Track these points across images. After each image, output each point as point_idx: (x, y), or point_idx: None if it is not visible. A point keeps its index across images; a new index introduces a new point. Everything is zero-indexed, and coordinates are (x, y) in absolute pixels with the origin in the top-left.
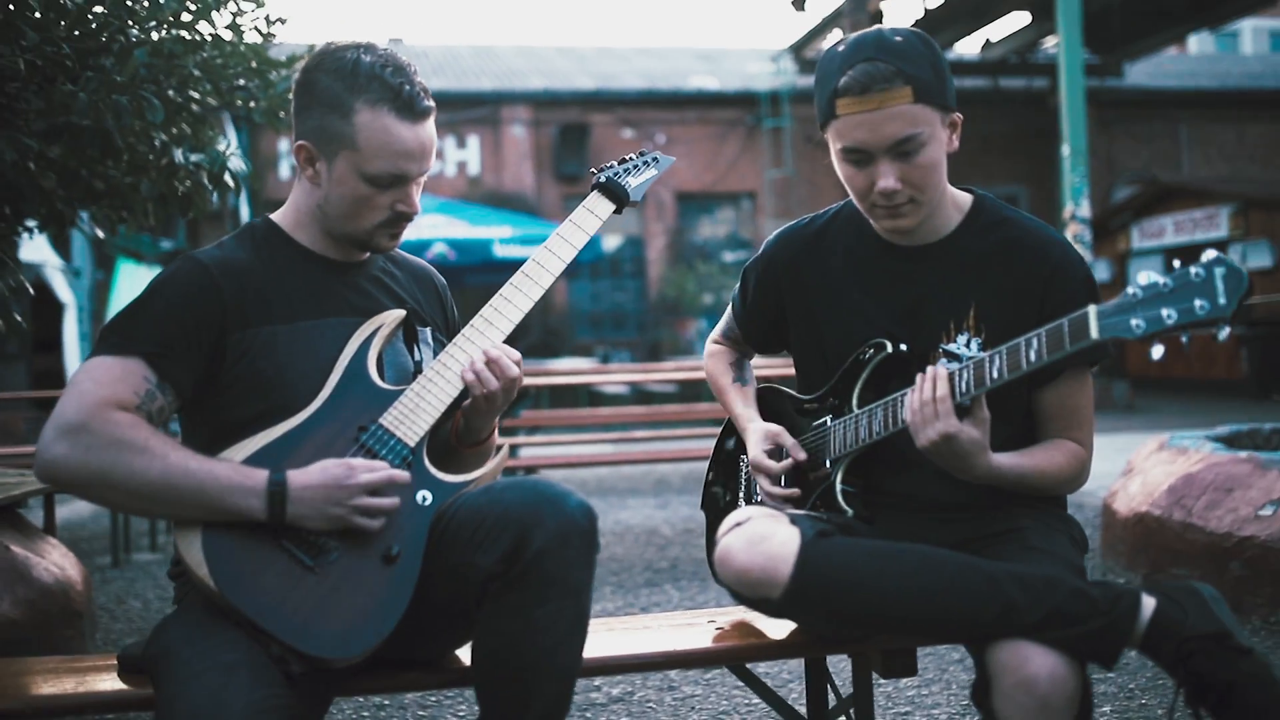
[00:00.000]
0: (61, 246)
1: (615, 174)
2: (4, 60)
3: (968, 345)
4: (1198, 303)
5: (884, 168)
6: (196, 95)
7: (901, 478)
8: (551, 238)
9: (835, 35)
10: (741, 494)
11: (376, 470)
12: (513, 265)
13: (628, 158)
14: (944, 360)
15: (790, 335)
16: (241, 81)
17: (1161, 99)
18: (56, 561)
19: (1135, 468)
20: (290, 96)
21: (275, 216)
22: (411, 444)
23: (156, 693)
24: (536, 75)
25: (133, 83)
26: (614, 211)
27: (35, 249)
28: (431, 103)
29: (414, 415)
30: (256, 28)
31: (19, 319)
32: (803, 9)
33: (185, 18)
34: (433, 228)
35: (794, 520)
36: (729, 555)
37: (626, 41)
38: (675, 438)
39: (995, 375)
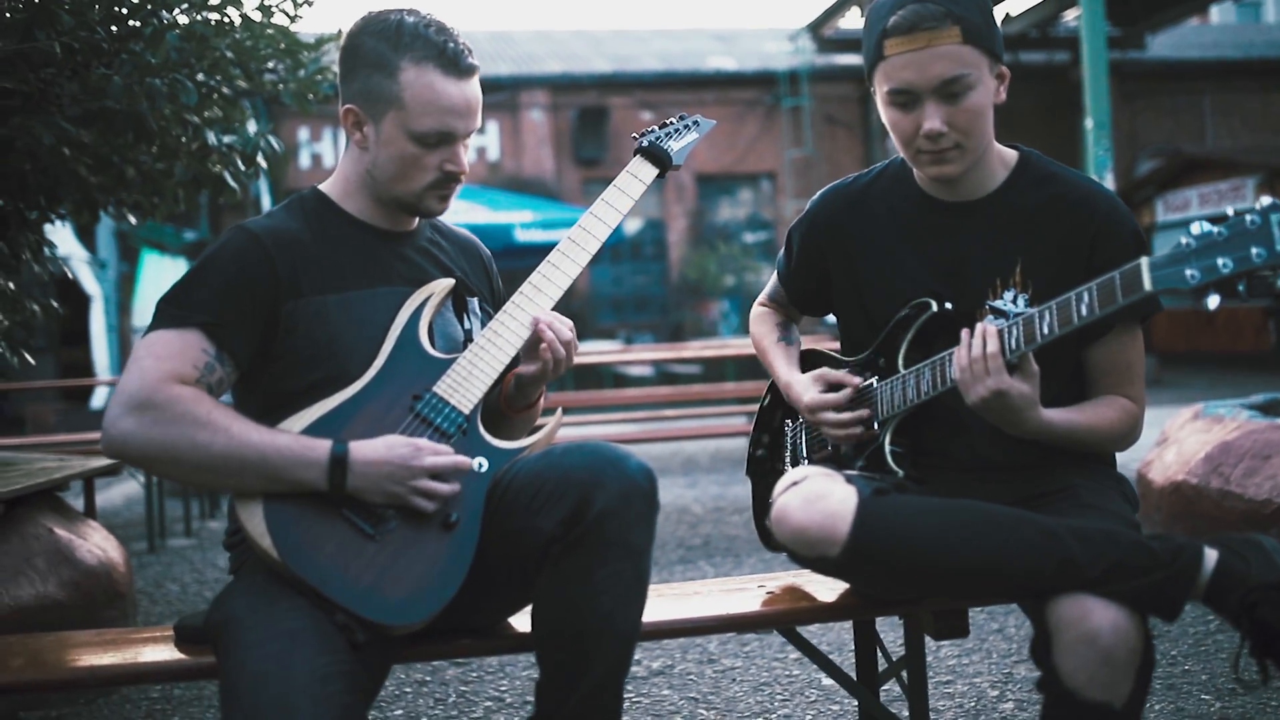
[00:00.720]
0: (87, 238)
1: (658, 138)
2: (40, 45)
3: (1014, 302)
4: (1254, 250)
5: (930, 109)
6: (227, 79)
7: (951, 438)
8: (597, 203)
9: (854, 14)
10: (788, 456)
11: (443, 455)
12: (533, 250)
13: (668, 121)
14: (990, 317)
15: (834, 295)
16: (271, 64)
17: (1184, 70)
18: (98, 544)
19: (1170, 437)
20: (319, 79)
21: (324, 187)
22: (466, 411)
23: (221, 660)
24: (554, 59)
25: (166, 66)
26: (658, 176)
27: (61, 241)
28: (476, 61)
29: (467, 383)
30: (284, 9)
31: (55, 304)
32: None
33: (215, 1)
34: (452, 213)
35: (850, 479)
36: (786, 514)
37: (644, 23)
38: (701, 416)
39: (1046, 331)
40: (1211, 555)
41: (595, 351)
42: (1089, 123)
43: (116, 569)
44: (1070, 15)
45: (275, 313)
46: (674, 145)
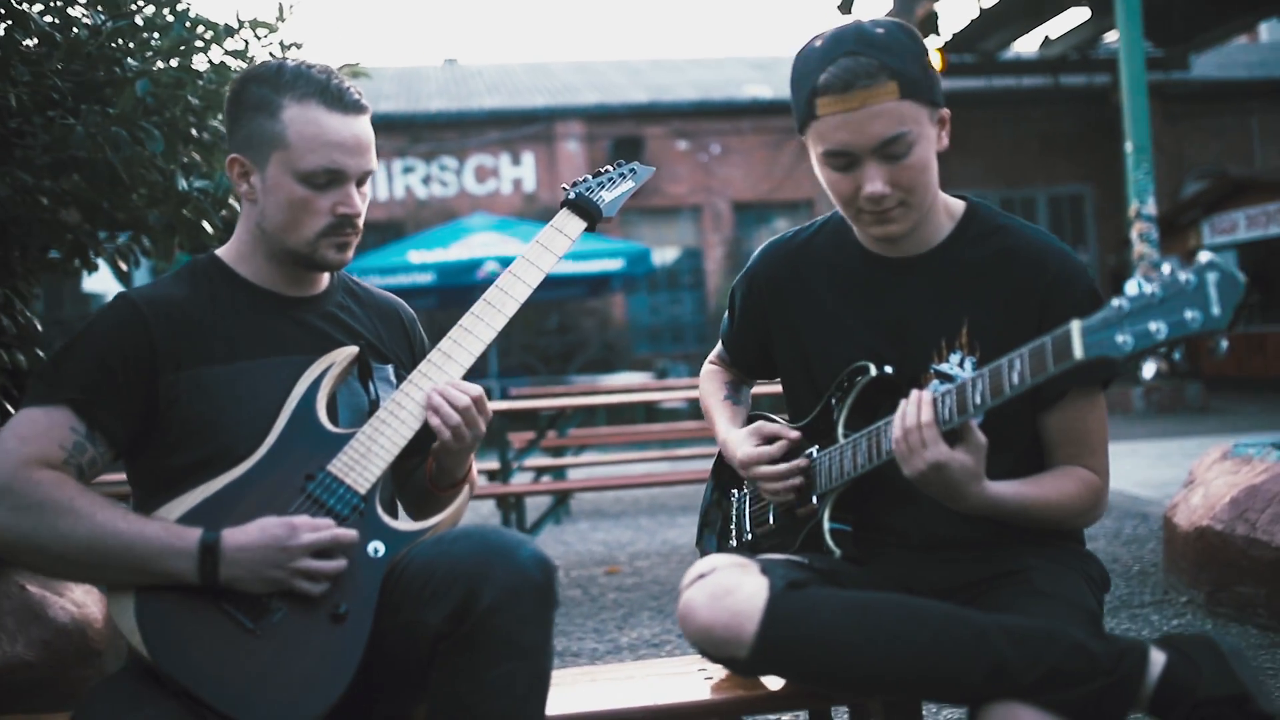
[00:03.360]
0: (126, 280)
1: (587, 188)
2: None
3: (961, 365)
4: (1189, 314)
5: (870, 171)
6: (198, 124)
7: (897, 512)
8: (517, 261)
9: None
10: (733, 529)
11: (321, 530)
12: (565, 281)
13: (603, 170)
14: (936, 382)
15: (776, 357)
16: None
17: (1231, 90)
18: (76, 599)
19: (1197, 478)
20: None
21: (220, 251)
22: (362, 491)
23: None
24: (590, 90)
25: (128, 116)
26: (585, 229)
27: (100, 280)
28: (365, 102)
29: (365, 460)
30: (271, 53)
31: (39, 354)
32: (849, 12)
33: (197, 45)
34: (484, 246)
35: (765, 569)
36: (691, 611)
37: (681, 52)
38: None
39: (978, 400)
40: (1158, 660)
41: (624, 388)
42: (1129, 146)
43: (93, 625)
44: (1110, 37)
45: (153, 386)
46: (606, 195)
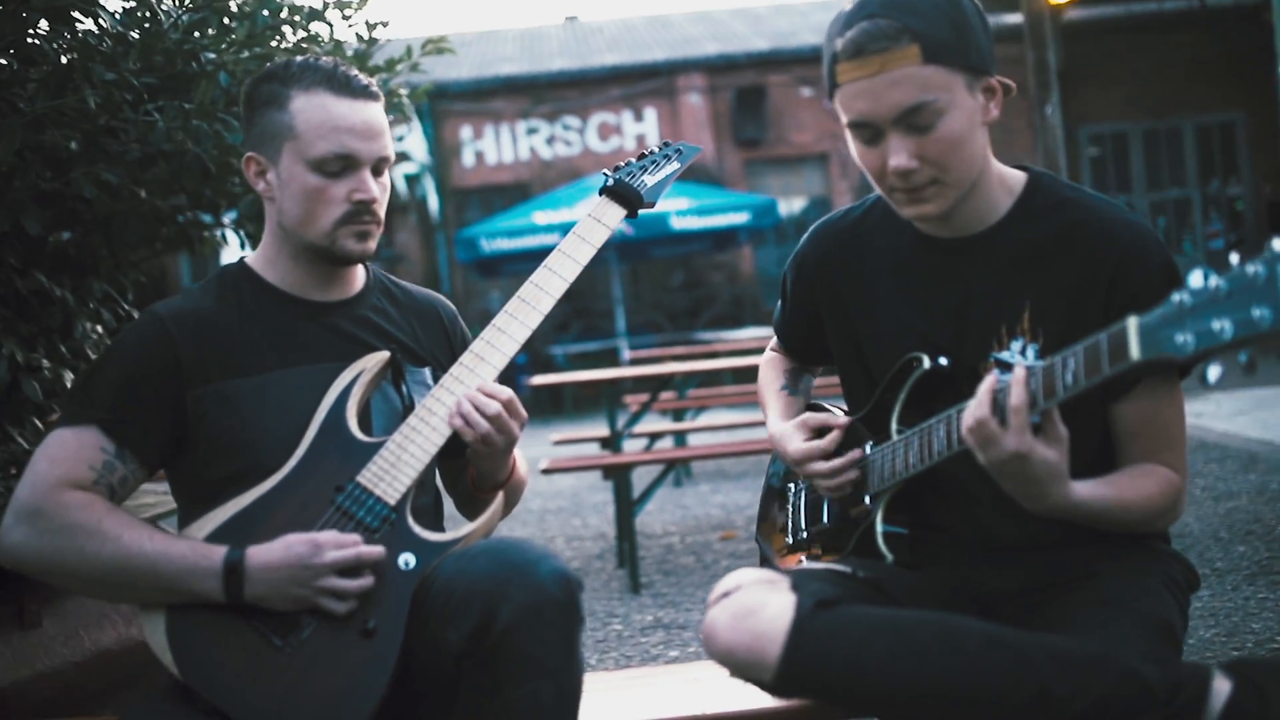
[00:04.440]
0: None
1: (629, 174)
2: (70, 103)
3: (1023, 353)
4: (1256, 312)
5: (894, 143)
6: None
7: (955, 511)
8: (553, 255)
9: None
10: (790, 525)
11: (346, 548)
12: (691, 237)
13: (649, 151)
14: (996, 371)
15: (831, 344)
16: None
17: None
18: None
19: None
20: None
21: (249, 257)
22: (392, 502)
23: None
24: (711, 40)
25: (209, 107)
26: (626, 217)
27: (234, 254)
28: (376, 89)
29: (395, 470)
30: (358, 34)
31: None
32: None
33: (277, 31)
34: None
35: (796, 584)
36: (713, 632)
37: None
38: None
39: (1037, 399)
40: (1222, 690)
41: (744, 347)
42: None
43: None
44: None
45: (181, 402)
46: (649, 180)
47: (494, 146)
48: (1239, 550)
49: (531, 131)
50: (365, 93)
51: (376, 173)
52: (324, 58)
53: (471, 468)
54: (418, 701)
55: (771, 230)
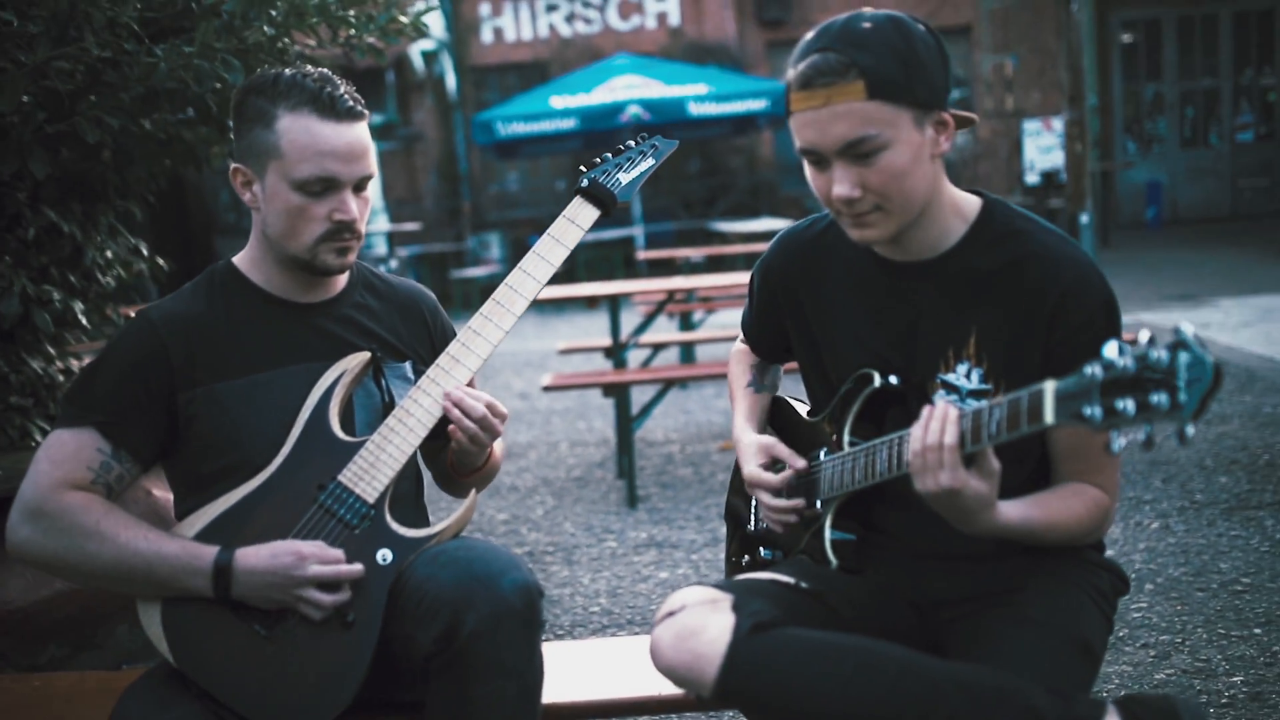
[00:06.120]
0: None
1: (603, 172)
2: (71, 52)
3: (968, 376)
4: (1154, 398)
5: (838, 172)
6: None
7: (900, 519)
8: (528, 257)
9: None
10: (753, 513)
11: (328, 564)
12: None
13: (625, 146)
14: (942, 392)
15: (794, 347)
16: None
17: None
18: None
19: None
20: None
21: (236, 258)
22: (371, 500)
23: None
24: None
25: (209, 46)
26: (600, 216)
27: None
28: (362, 109)
29: (373, 470)
30: None
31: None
32: None
33: None
34: (627, 89)
35: (737, 604)
36: (658, 650)
37: None
38: None
39: (964, 441)
40: None
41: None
42: None
43: None
44: None
45: (173, 403)
46: (623, 178)
47: (513, 23)
48: (1220, 481)
49: (551, 8)
50: (350, 114)
51: (358, 189)
52: (311, 73)
53: (451, 453)
54: (395, 689)
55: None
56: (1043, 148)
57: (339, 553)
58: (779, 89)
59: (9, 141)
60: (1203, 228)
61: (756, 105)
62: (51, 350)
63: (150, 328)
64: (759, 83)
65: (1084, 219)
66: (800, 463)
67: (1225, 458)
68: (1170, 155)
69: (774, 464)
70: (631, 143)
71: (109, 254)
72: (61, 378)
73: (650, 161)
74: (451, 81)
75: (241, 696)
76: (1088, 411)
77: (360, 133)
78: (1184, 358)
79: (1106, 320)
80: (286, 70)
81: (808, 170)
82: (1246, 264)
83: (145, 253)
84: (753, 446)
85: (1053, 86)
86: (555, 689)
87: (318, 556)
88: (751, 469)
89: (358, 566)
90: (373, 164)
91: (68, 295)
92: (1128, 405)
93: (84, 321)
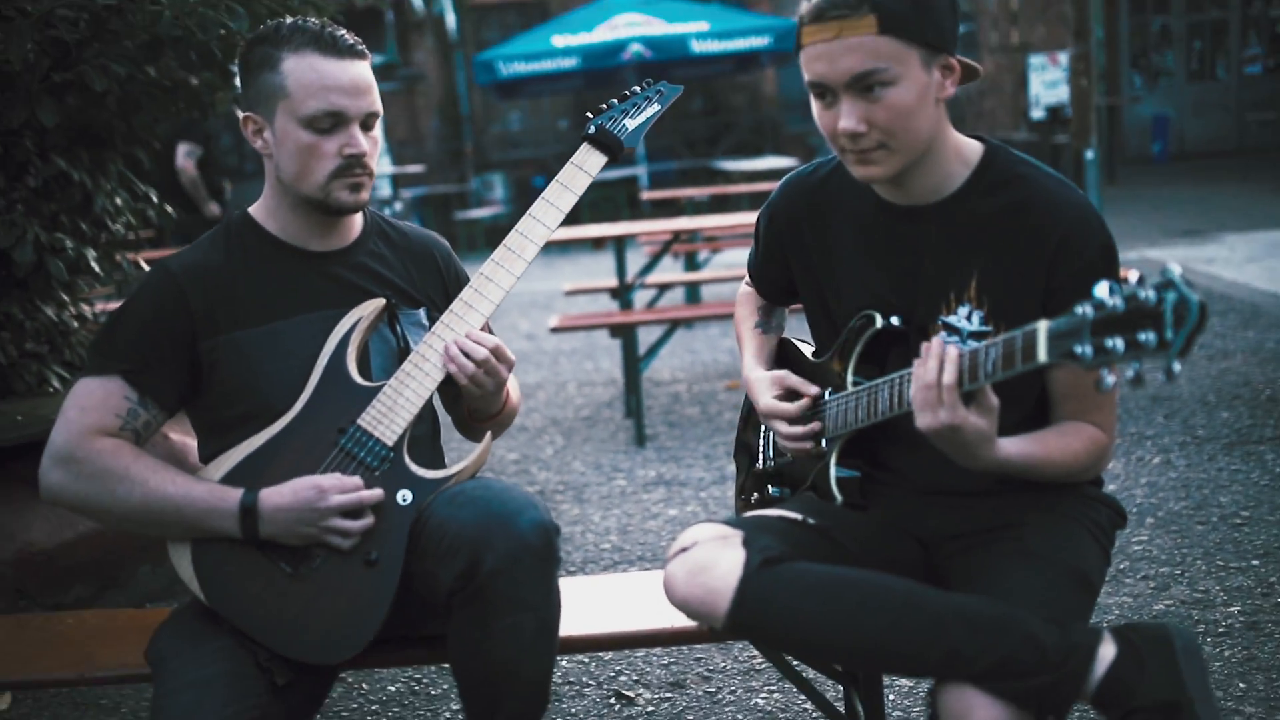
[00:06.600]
0: None
1: (610, 118)
2: None
3: (969, 318)
4: (1143, 336)
5: (845, 106)
6: None
7: (905, 456)
8: (537, 203)
9: None
10: (764, 448)
11: (348, 492)
12: (711, 60)
13: (631, 91)
14: (943, 333)
15: (799, 289)
16: None
17: None
18: None
19: None
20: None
21: (252, 208)
22: (390, 442)
23: (153, 697)
24: None
25: None
26: (607, 163)
27: None
28: (363, 47)
29: (392, 413)
30: None
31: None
32: None
33: None
34: (629, 26)
35: (747, 539)
36: (672, 584)
37: None
38: None
39: (961, 378)
40: (1107, 655)
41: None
42: None
43: None
44: None
45: (195, 351)
46: (629, 124)
47: (378, 127)
48: (1222, 416)
49: None
50: (352, 51)
51: (366, 127)
52: (313, 19)
53: (466, 399)
54: (419, 623)
55: (791, 50)
56: (1048, 82)
57: (357, 480)
58: (782, 25)
59: (17, 91)
60: (1209, 162)
61: (759, 42)
62: (65, 297)
63: (170, 278)
64: (762, 19)
65: (1089, 155)
66: (813, 389)
67: (1227, 393)
68: (1177, 89)
69: (787, 395)
70: (637, 88)
71: (119, 201)
72: (75, 324)
73: (656, 107)
74: (451, 20)
75: (271, 632)
76: (1079, 350)
77: (364, 70)
78: (1171, 297)
79: (1105, 263)
80: (287, 19)
81: (814, 106)
82: (1253, 199)
83: (155, 199)
84: (765, 380)
85: (1058, 20)
86: (572, 622)
87: (337, 487)
88: (767, 400)
89: (377, 491)
90: (378, 102)
91: (79, 243)
92: (1117, 343)
93: (96, 268)
